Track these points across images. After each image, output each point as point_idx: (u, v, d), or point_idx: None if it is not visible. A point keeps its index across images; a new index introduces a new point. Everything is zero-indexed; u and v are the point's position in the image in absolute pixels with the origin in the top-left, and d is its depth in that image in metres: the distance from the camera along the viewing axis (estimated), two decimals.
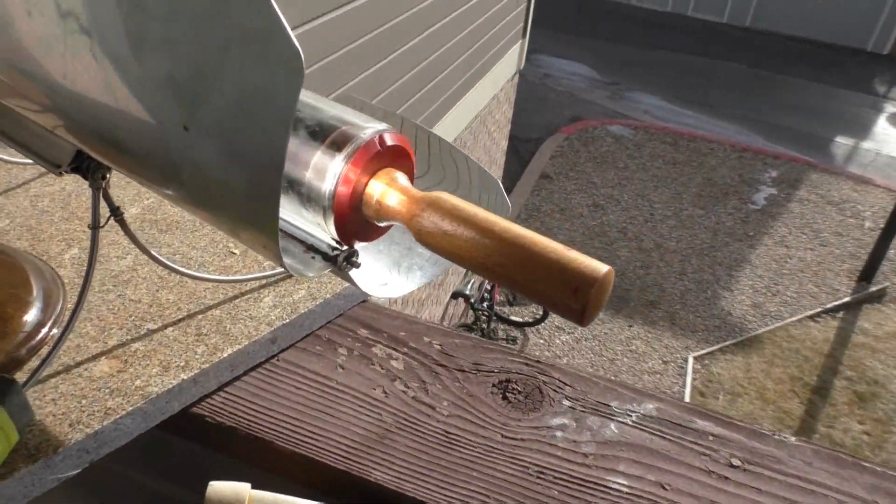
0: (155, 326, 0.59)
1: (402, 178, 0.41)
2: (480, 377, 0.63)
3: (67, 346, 0.56)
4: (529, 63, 10.10)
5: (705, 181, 8.04)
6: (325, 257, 0.42)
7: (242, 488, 0.49)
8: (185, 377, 0.55)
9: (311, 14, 2.22)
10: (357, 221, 0.41)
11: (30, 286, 0.60)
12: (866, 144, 9.41)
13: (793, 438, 0.61)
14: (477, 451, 0.56)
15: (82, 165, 0.48)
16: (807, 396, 5.42)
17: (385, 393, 0.60)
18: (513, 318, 5.76)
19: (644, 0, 13.47)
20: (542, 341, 5.63)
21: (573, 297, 0.35)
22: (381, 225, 0.42)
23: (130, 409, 0.52)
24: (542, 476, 0.55)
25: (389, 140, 0.41)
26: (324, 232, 0.41)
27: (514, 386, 0.62)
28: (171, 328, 0.59)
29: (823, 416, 5.26)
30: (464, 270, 5.43)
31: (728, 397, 5.34)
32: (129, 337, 0.57)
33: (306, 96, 0.43)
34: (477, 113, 4.36)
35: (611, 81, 10.19)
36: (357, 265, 0.42)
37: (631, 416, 0.61)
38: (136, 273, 0.64)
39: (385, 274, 0.48)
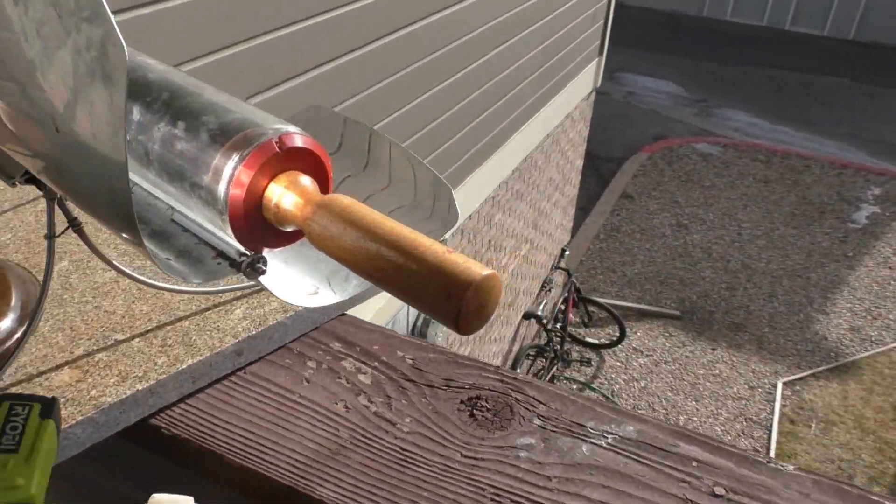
0: (122, 337, 0.59)
1: (304, 180, 0.39)
2: (450, 393, 0.60)
3: (34, 356, 0.57)
4: (613, 81, 9.95)
5: (800, 199, 7.66)
6: (232, 263, 0.41)
7: (184, 502, 0.49)
8: (141, 388, 0.55)
9: (390, 27, 2.25)
10: (257, 227, 0.39)
11: (9, 296, 0.62)
12: None
13: (791, 467, 0.56)
14: (432, 470, 0.53)
15: (36, 177, 0.49)
16: None
17: (346, 408, 0.58)
18: (588, 339, 5.63)
19: (738, 15, 13.04)
20: (618, 364, 5.47)
21: (446, 302, 0.33)
22: (288, 230, 0.40)
23: (80, 418, 0.52)
24: (497, 498, 0.52)
25: (295, 142, 0.39)
26: (232, 238, 0.40)
27: (484, 403, 0.59)
28: (137, 339, 0.59)
29: None
30: (536, 290, 5.36)
31: (821, 426, 5.02)
32: (95, 347, 0.58)
33: (221, 100, 0.42)
34: (549, 132, 4.31)
35: (698, 99, 9.89)
36: (262, 272, 0.41)
37: (606, 437, 0.57)
38: (116, 285, 0.65)
39: (315, 283, 0.46)
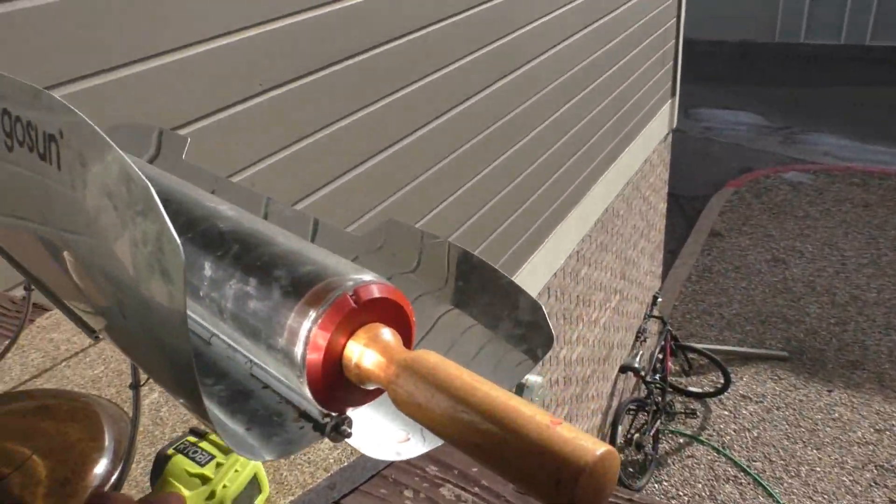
0: None
1: (386, 334, 0.36)
2: None
3: None
4: (689, 118, 9.76)
5: None
6: (315, 426, 0.38)
7: None
8: None
9: (460, 97, 2.27)
10: (339, 388, 0.37)
11: (103, 438, 0.61)
12: None
13: None
14: None
15: None
16: None
17: None
18: (690, 388, 5.37)
19: (812, 36, 12.63)
20: (726, 413, 5.18)
21: (555, 489, 0.28)
22: (371, 388, 0.37)
23: None
24: None
25: (373, 293, 0.37)
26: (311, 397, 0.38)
27: None
28: None
29: None
30: (631, 342, 5.18)
31: None
32: None
33: (294, 248, 0.40)
34: (629, 179, 4.23)
35: (781, 126, 9.56)
36: (347, 434, 0.38)
37: None
38: None
39: (404, 428, 0.43)
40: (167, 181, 0.51)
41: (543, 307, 0.46)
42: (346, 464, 0.57)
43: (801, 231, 7.24)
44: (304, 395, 0.37)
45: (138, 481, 0.59)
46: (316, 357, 0.35)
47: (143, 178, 0.26)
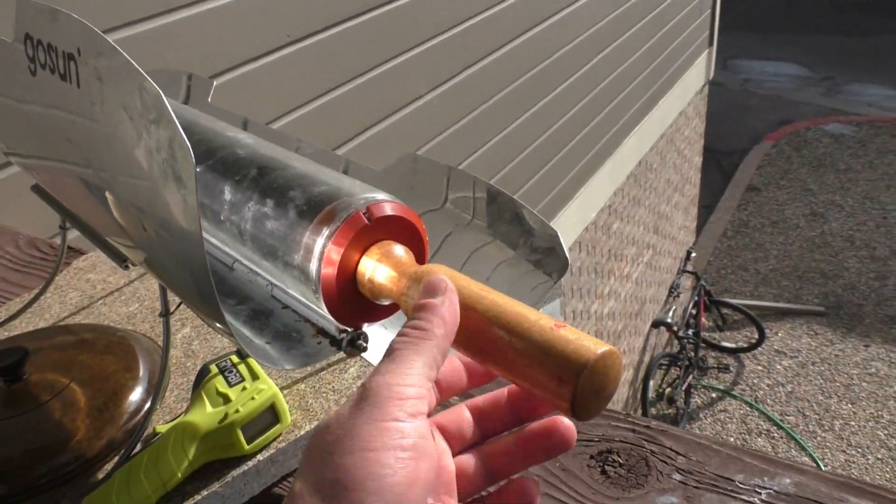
0: None
1: (398, 250, 0.37)
2: (578, 448, 0.56)
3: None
4: (727, 70, 9.49)
5: None
6: (332, 341, 0.39)
7: None
8: (262, 458, 0.55)
9: (494, 44, 2.25)
10: (353, 303, 0.38)
11: (137, 369, 0.64)
12: None
13: None
14: None
15: None
16: None
17: None
18: (724, 343, 5.33)
19: None
20: (760, 368, 5.14)
21: (558, 387, 0.29)
22: (385, 303, 0.38)
23: (206, 493, 0.52)
24: None
25: (385, 211, 0.37)
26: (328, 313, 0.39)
27: (616, 458, 0.55)
28: None
29: None
30: (664, 297, 5.15)
31: None
32: None
33: (309, 171, 0.41)
34: (663, 132, 4.15)
35: (824, 77, 9.25)
36: (363, 349, 0.39)
37: (760, 493, 0.51)
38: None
39: None
40: (190, 115, 0.52)
41: (559, 234, 0.46)
42: None
43: (842, 184, 7.06)
44: (320, 310, 0.38)
45: (171, 408, 0.62)
46: (330, 272, 0.36)
47: (155, 86, 0.27)
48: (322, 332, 0.40)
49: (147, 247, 0.38)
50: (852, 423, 4.67)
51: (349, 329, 0.39)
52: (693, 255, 5.34)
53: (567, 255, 0.46)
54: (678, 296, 5.09)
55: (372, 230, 0.37)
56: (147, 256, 0.41)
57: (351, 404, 0.30)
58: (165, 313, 0.53)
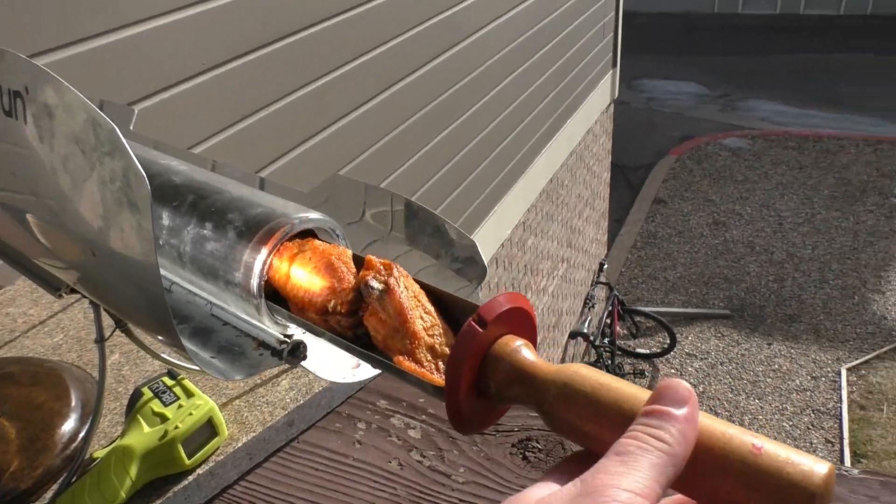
0: None
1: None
2: (499, 438, 0.61)
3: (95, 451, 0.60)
4: (631, 90, 9.93)
5: (838, 181, 7.50)
6: (273, 352, 0.42)
7: None
8: (202, 471, 0.57)
9: (399, 74, 2.30)
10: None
11: (69, 398, 0.65)
12: None
13: (856, 471, 0.55)
14: None
15: None
16: None
17: (401, 465, 0.59)
18: (639, 350, 5.55)
19: (750, 7, 12.94)
20: (673, 371, 5.38)
21: None
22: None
23: None
24: None
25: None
26: (269, 326, 0.42)
27: (535, 444, 0.60)
28: None
29: None
30: (579, 309, 5.31)
31: (894, 407, 4.85)
32: None
33: (244, 195, 0.45)
34: (572, 149, 4.32)
35: (721, 94, 9.80)
36: (303, 357, 0.43)
37: None
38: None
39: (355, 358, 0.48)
40: None
41: (477, 244, 0.51)
42: (301, 401, 0.62)
43: (741, 194, 7.48)
44: (262, 322, 0.42)
45: (106, 432, 0.63)
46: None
47: (109, 121, 0.30)
48: (263, 344, 0.44)
49: (92, 270, 0.40)
50: (760, 417, 4.94)
51: (288, 340, 0.43)
52: (605, 266, 5.55)
53: (485, 262, 0.50)
54: (593, 307, 5.26)
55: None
56: (81, 276, 0.44)
57: (564, 496, 0.26)
58: (100, 339, 0.55)
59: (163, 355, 0.60)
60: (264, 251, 0.40)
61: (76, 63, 1.29)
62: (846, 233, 6.66)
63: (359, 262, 0.41)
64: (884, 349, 5.35)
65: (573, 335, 4.94)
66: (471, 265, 0.51)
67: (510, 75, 3.21)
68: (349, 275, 0.40)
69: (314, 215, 0.42)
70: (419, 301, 0.38)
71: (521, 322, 0.35)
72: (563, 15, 3.74)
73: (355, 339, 0.39)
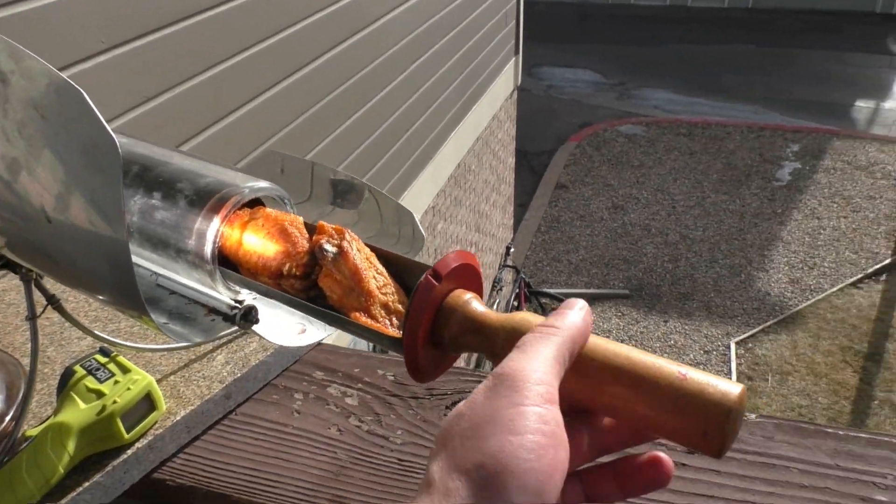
0: None
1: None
2: (434, 401, 0.64)
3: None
4: (532, 77, 10.14)
5: (725, 166, 7.95)
6: (225, 317, 0.44)
7: None
8: (140, 445, 0.57)
9: (308, 57, 2.27)
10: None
11: None
12: (888, 104, 9.23)
13: (753, 416, 0.61)
14: None
15: (11, 261, 0.51)
16: (860, 364, 5.28)
17: (340, 431, 0.61)
18: None
19: None
20: None
21: (702, 441, 0.30)
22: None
23: (87, 484, 0.54)
24: None
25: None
26: (222, 292, 0.43)
27: None
28: None
29: (880, 382, 5.12)
30: (488, 291, 5.43)
31: (777, 377, 5.22)
32: None
33: (191, 166, 0.45)
34: (478, 135, 4.39)
35: (617, 82, 10.17)
36: (255, 321, 0.44)
37: None
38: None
39: (300, 320, 0.50)
40: None
41: (414, 214, 0.54)
42: (238, 374, 0.63)
43: (637, 179, 7.81)
44: (214, 289, 0.43)
45: (35, 412, 0.62)
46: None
47: (77, 87, 0.31)
48: (214, 310, 0.45)
49: (44, 238, 0.40)
50: None
51: (240, 305, 0.44)
52: (512, 250, 5.68)
53: (423, 231, 0.53)
54: (501, 289, 5.38)
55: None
56: (31, 250, 0.43)
57: (483, 391, 0.29)
58: (32, 316, 0.54)
59: (94, 332, 0.59)
60: (217, 219, 0.41)
61: None
62: (733, 215, 7.08)
63: (310, 228, 0.43)
64: (768, 323, 5.74)
65: None
66: (409, 234, 0.54)
67: (415, 62, 3.23)
68: (302, 240, 0.42)
69: (264, 184, 0.43)
70: (371, 262, 0.40)
71: (470, 277, 0.38)
72: (465, 2, 3.79)
73: (309, 300, 0.41)
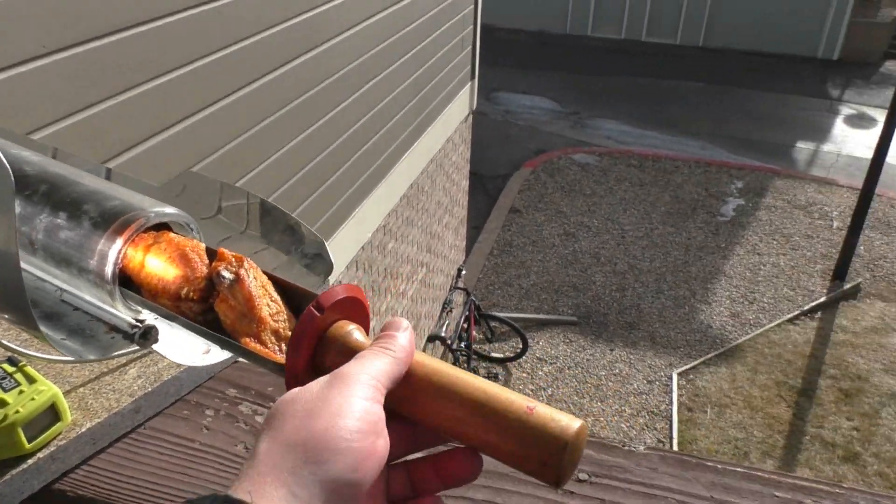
0: None
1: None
2: None
3: None
4: (490, 102, 10.29)
5: (673, 199, 8.16)
6: (125, 335, 0.45)
7: None
8: (42, 455, 0.58)
9: (255, 74, 2.28)
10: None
11: None
12: (826, 147, 9.62)
13: (642, 447, 0.65)
14: None
15: None
16: (793, 399, 5.45)
17: (247, 448, 0.63)
18: (493, 354, 5.77)
19: (598, 30, 13.83)
20: (525, 375, 5.64)
21: (542, 470, 0.33)
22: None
23: None
24: None
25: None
26: (122, 311, 0.45)
27: None
28: None
29: (812, 417, 5.28)
30: (437, 313, 5.45)
31: (716, 409, 5.35)
32: None
33: (100, 187, 0.47)
34: (432, 157, 4.44)
35: (571, 111, 10.38)
36: (154, 340, 0.46)
37: None
38: None
39: (206, 343, 0.51)
40: None
41: (325, 242, 0.56)
42: (149, 389, 0.64)
43: (589, 208, 7.97)
44: (114, 307, 0.45)
45: None
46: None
47: None
48: (115, 328, 0.46)
49: None
50: (602, 418, 5.28)
51: (140, 324, 0.46)
52: (463, 272, 5.73)
53: (332, 258, 0.56)
54: (451, 311, 5.42)
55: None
56: None
57: (318, 384, 0.34)
58: None
59: (3, 342, 0.60)
60: (119, 241, 0.43)
61: None
62: (679, 247, 7.27)
63: (211, 254, 0.45)
64: (709, 355, 5.89)
65: (431, 338, 5.06)
66: (319, 261, 0.56)
67: (370, 82, 3.27)
68: (202, 265, 0.44)
69: (169, 210, 0.45)
70: (266, 290, 0.43)
71: (356, 309, 0.41)
72: (422, 26, 3.85)
73: (205, 323, 0.43)
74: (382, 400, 0.35)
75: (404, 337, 0.38)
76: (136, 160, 1.83)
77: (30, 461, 0.57)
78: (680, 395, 5.50)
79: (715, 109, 10.57)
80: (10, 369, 0.61)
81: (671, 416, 5.30)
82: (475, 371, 5.53)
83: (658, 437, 5.09)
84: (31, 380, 0.59)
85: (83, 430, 0.60)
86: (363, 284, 3.65)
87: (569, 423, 0.33)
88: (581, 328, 6.18)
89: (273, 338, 0.41)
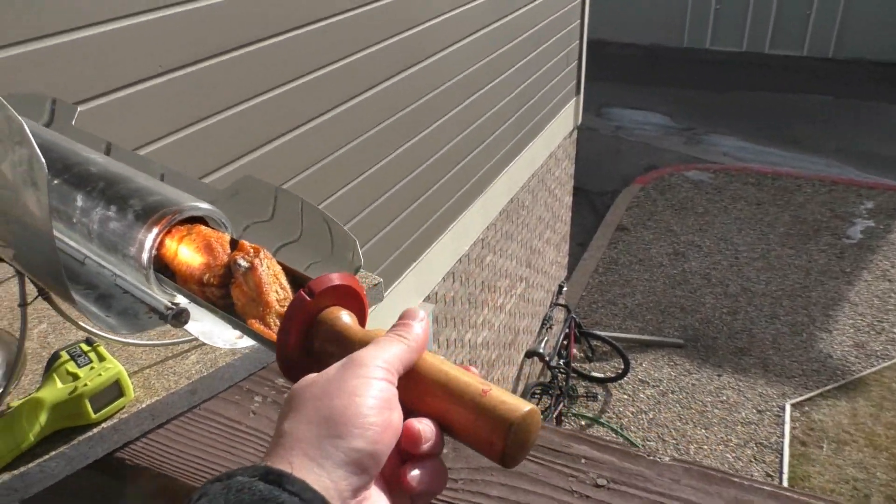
0: None
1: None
2: None
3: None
4: (600, 117, 10.15)
5: (793, 219, 7.74)
6: (160, 316, 0.51)
7: None
8: (106, 426, 0.64)
9: (364, 85, 2.39)
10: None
11: None
12: None
13: (667, 458, 0.64)
14: None
15: None
16: None
17: None
18: (593, 374, 5.67)
19: (717, 43, 13.35)
20: (625, 396, 5.50)
21: (490, 449, 0.36)
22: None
23: (54, 453, 0.62)
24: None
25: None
26: (158, 294, 0.51)
27: None
28: None
29: None
30: (537, 328, 5.42)
31: (833, 446, 5.01)
32: None
33: (149, 185, 0.53)
34: (533, 172, 4.44)
35: (685, 127, 10.07)
36: (185, 321, 0.51)
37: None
38: None
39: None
40: (51, 136, 0.63)
41: (358, 242, 0.60)
42: (206, 373, 0.70)
43: (700, 227, 7.69)
44: (152, 292, 0.50)
45: (27, 389, 0.70)
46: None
47: (18, 116, 0.39)
48: (153, 309, 0.52)
49: (13, 244, 0.48)
50: (705, 447, 5.06)
51: (174, 306, 0.51)
52: (564, 289, 5.67)
53: (361, 258, 0.59)
54: (551, 328, 5.38)
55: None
56: (15, 253, 0.52)
57: (336, 367, 0.38)
58: (23, 304, 0.63)
59: (80, 324, 0.68)
60: (155, 230, 0.48)
61: (33, 59, 1.36)
62: (798, 270, 6.88)
63: (235, 245, 0.50)
64: (828, 387, 5.52)
65: (529, 354, 5.04)
66: (351, 259, 0.60)
67: (470, 97, 3.32)
68: (223, 254, 0.48)
69: (203, 205, 0.51)
70: (277, 279, 0.47)
71: (351, 298, 0.44)
72: (525, 42, 3.88)
73: (224, 307, 0.48)
74: (395, 381, 0.38)
75: (420, 327, 0.41)
76: (242, 170, 1.96)
77: (95, 430, 0.64)
78: (793, 428, 5.18)
79: (843, 124, 9.94)
80: (86, 348, 0.68)
81: (782, 449, 5.00)
82: (574, 389, 5.44)
83: (767, 471, 4.82)
84: (101, 358, 0.67)
85: (143, 406, 0.67)
86: (459, 296, 3.70)
87: (517, 405, 0.36)
88: (687, 351, 5.96)
89: (277, 321, 0.45)
